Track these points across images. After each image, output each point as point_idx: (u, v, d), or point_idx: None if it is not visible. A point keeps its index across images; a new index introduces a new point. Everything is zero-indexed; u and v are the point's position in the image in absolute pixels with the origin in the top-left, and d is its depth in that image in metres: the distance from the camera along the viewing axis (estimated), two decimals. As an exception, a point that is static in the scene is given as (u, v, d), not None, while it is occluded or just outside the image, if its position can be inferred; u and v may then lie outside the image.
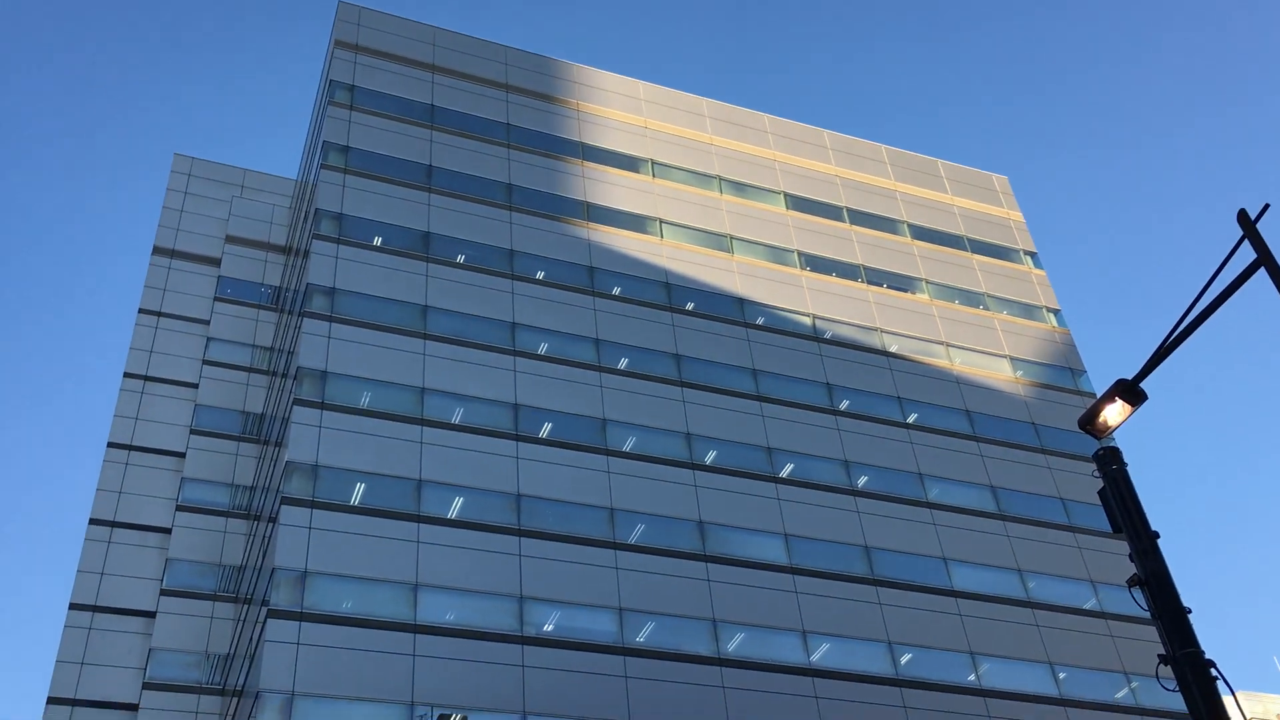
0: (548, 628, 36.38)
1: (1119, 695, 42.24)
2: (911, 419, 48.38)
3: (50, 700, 41.09)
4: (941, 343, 52.43)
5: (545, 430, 41.31)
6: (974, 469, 47.68)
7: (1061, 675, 41.90)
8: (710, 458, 42.96)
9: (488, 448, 39.92)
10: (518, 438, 40.59)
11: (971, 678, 40.47)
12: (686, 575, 39.08)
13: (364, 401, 39.75)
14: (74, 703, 41.15)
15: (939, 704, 39.18)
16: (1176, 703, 41.56)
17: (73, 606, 43.31)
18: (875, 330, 51.33)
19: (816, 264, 52.67)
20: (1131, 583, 11.10)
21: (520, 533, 38.10)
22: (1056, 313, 57.10)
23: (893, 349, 50.97)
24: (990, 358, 53.08)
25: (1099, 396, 12.24)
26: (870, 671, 39.14)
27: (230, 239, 54.82)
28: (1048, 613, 43.70)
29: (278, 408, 43.44)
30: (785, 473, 43.80)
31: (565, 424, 41.73)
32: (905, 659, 40.04)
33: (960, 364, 51.93)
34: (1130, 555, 11.40)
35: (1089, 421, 12.20)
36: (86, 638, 42.49)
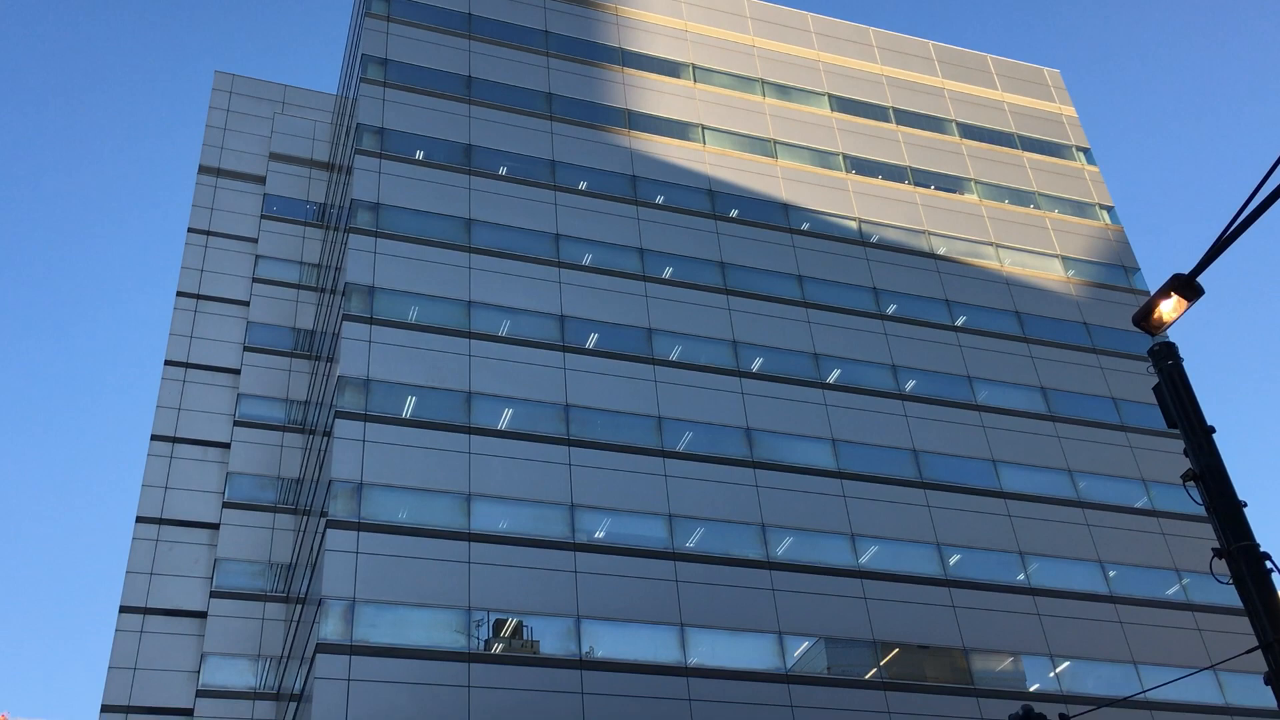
0: (599, 534, 36.98)
1: (1170, 591, 42.36)
2: (960, 321, 47.98)
3: (123, 609, 42.64)
4: (991, 243, 51.69)
5: (592, 341, 41.48)
6: (1024, 370, 47.35)
7: (1112, 573, 42.03)
8: (757, 365, 43.00)
9: (535, 359, 40.22)
10: (564, 349, 40.82)
11: (1021, 577, 40.72)
12: (735, 481, 39.42)
13: (412, 316, 40.09)
14: (145, 611, 42.67)
15: (988, 603, 39.53)
16: (1230, 597, 41.62)
17: (139, 520, 44.64)
18: (923, 232, 50.67)
19: (862, 166, 51.88)
20: (1186, 478, 11.06)
21: (569, 442, 38.53)
22: (1110, 210, 55.97)
23: (941, 251, 50.36)
24: (1041, 257, 52.30)
25: (1154, 292, 12.05)
26: (919, 573, 39.49)
27: (274, 156, 54.96)
28: (1098, 512, 43.68)
29: (328, 323, 43.96)
30: (832, 378, 43.77)
31: (611, 334, 41.88)
32: (954, 560, 40.32)
33: (1010, 265, 51.24)
34: (1185, 451, 11.34)
35: (1144, 318, 12.03)
36: (154, 550, 43.87)
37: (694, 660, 34.94)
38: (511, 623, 34.86)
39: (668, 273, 44.53)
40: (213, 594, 42.83)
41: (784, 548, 38.47)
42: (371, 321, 39.29)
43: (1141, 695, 35.99)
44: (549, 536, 36.24)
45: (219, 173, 54.71)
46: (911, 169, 52.73)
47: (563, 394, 39.59)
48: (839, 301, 46.38)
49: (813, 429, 41.93)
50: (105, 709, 40.79)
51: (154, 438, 46.61)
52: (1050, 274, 51.77)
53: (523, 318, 41.15)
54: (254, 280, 50.96)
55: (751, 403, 41.67)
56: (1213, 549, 10.62)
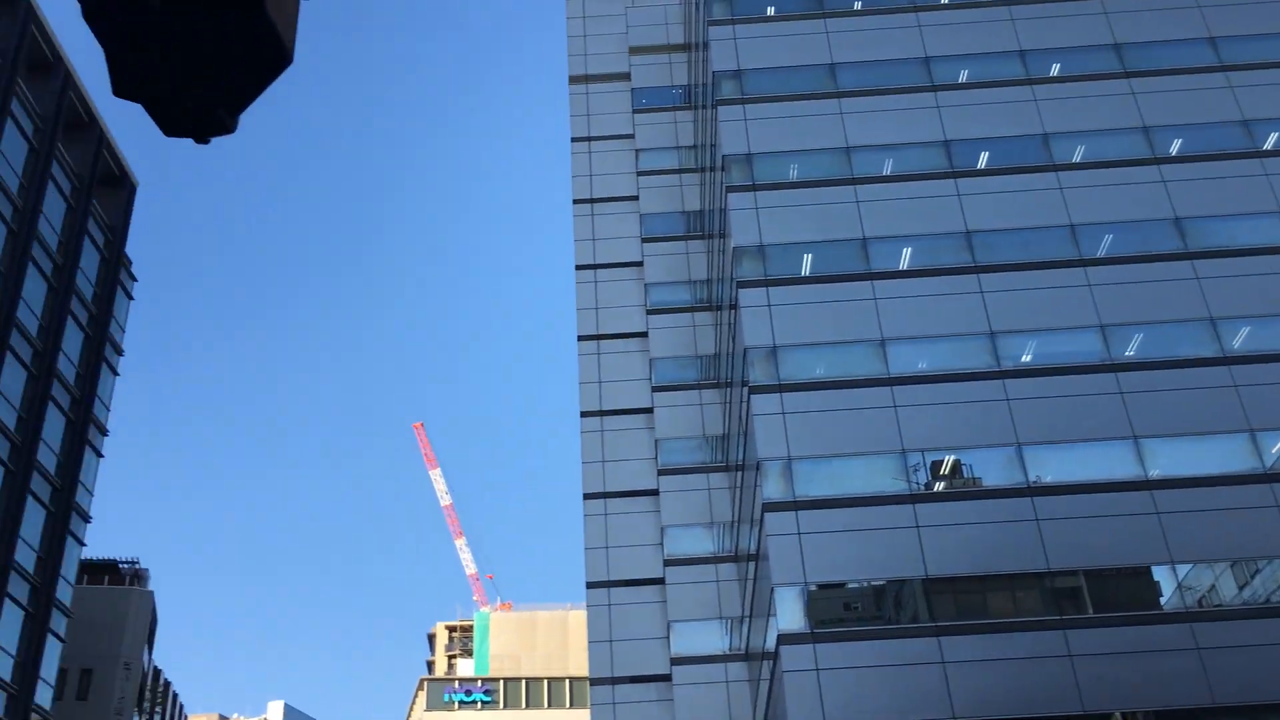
0: (1026, 358, 35.30)
1: None
2: None
3: (586, 496, 46.63)
4: None
5: (983, 160, 39.18)
6: None
7: None
8: (1176, 147, 38.68)
9: (926, 192, 38.68)
10: (955, 174, 38.87)
11: None
12: (1170, 278, 35.99)
13: (793, 174, 39.78)
14: (605, 495, 46.38)
15: None
16: None
17: (583, 415, 48.33)
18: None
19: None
20: None
21: (977, 269, 36.87)
22: None
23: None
24: None
25: None
26: None
27: (634, 50, 56.15)
28: None
29: (714, 200, 44.71)
30: (1269, 144, 38.49)
31: (1003, 149, 39.31)
32: None
33: None
34: None
35: None
36: (601, 439, 47.39)
37: (1155, 472, 32.69)
38: (949, 460, 34.34)
39: (1056, 70, 40.90)
40: (660, 472, 45.68)
41: (1241, 340, 34.77)
42: (755, 188, 39.44)
43: None
44: (973, 368, 35.09)
45: (587, 79, 56.78)
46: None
47: (961, 221, 37.84)
48: (1267, 58, 40.47)
49: (1256, 205, 37.23)
50: (590, 585, 45.06)
51: (580, 338, 50.03)
52: None
53: (905, 152, 39.58)
54: (638, 174, 52.74)
55: (1176, 190, 37.64)
56: None
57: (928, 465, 34.25)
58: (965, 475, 34.43)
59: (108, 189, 52.42)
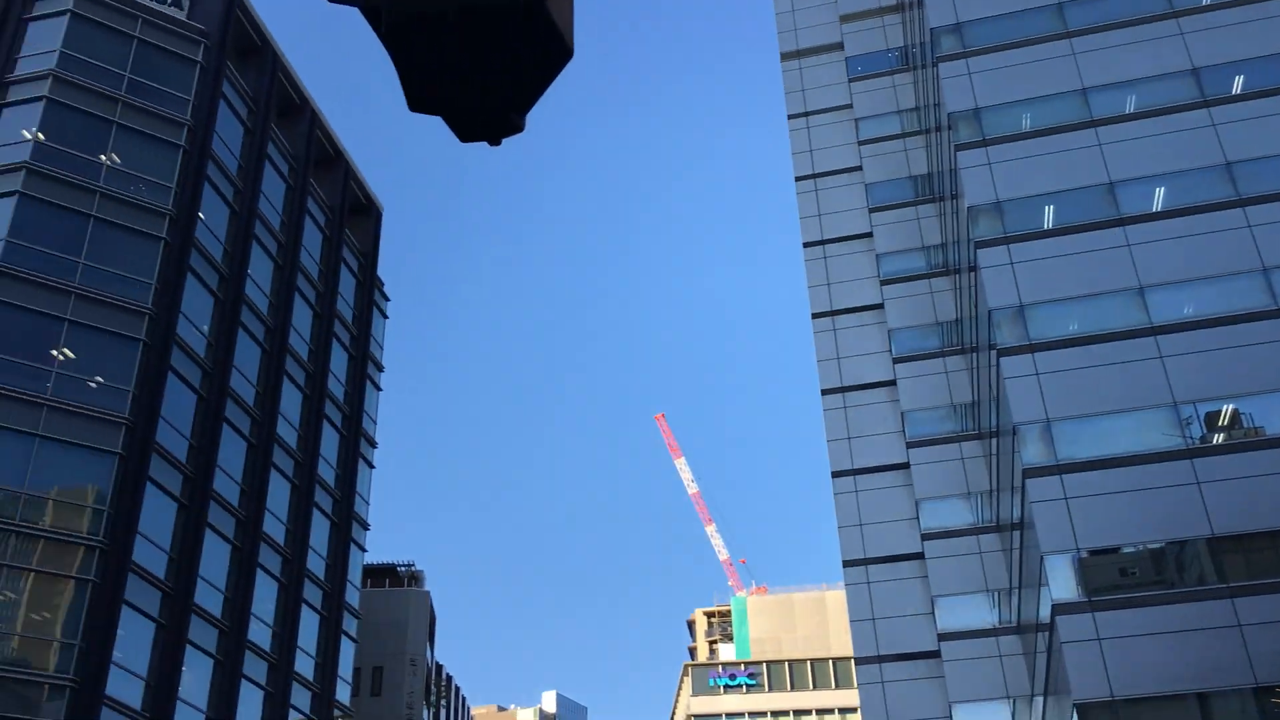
0: (1308, 292, 32.42)
1: None
2: None
3: (834, 474, 46.11)
4: None
5: (1238, 85, 36.23)
6: None
7: None
8: None
9: (1176, 126, 36.14)
10: (1208, 103, 36.12)
11: None
12: None
13: (1025, 124, 38.01)
14: (854, 472, 45.72)
15: None
16: None
17: (824, 392, 47.78)
18: None
19: None
20: None
21: (1242, 203, 34.16)
22: None
23: None
24: None
25: None
26: None
27: (844, 18, 55.00)
28: None
29: (942, 161, 43.25)
30: None
31: (1260, 70, 36.23)
32: None
33: None
34: None
35: None
36: (844, 415, 46.74)
37: None
38: (1227, 409, 32.00)
39: (1314, -24, 37.35)
40: (908, 444, 44.60)
41: None
42: (985, 144, 37.93)
43: None
44: (1247, 308, 32.54)
45: (799, 54, 56.04)
46: None
47: (1219, 153, 35.13)
48: None
49: None
50: (847, 564, 44.55)
51: (814, 315, 49.49)
52: None
53: (1149, 86, 37.11)
54: (859, 144, 51.65)
55: None
56: None
57: (1201, 417, 32.05)
58: (1246, 425, 32.00)
59: (357, 217, 55.88)
